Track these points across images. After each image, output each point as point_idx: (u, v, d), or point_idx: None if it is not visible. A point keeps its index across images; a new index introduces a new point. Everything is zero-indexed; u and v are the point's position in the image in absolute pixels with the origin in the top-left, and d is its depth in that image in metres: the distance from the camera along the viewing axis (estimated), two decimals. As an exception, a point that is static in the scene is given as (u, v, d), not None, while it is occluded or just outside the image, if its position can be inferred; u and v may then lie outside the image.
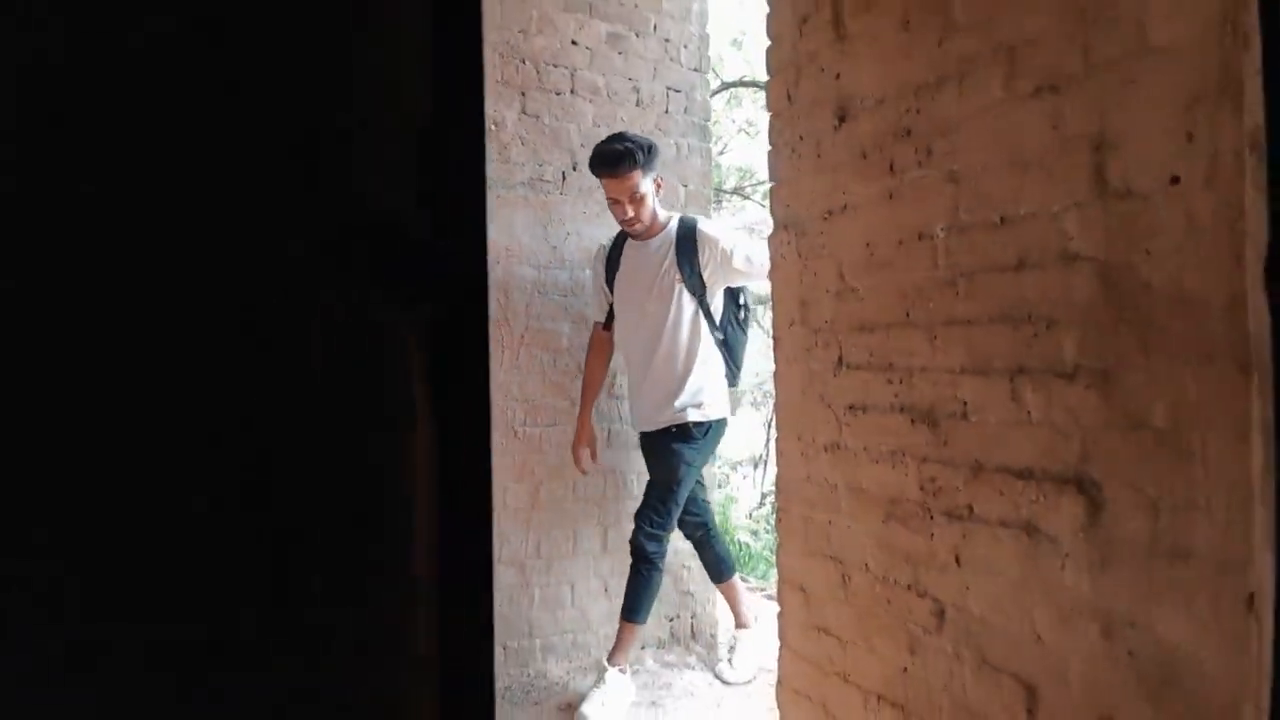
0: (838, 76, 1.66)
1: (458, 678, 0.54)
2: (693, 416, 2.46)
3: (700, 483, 2.69)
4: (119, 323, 0.48)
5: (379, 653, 0.54)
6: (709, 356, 2.53)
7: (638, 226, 2.44)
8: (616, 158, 2.30)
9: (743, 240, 2.55)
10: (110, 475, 0.48)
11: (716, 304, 2.57)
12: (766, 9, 1.92)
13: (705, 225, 2.53)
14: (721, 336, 2.58)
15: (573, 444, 2.63)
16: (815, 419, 1.74)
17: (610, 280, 2.57)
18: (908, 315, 1.47)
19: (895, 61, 1.49)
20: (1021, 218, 1.24)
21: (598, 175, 2.39)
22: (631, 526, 2.54)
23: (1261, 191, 0.91)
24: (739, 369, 2.68)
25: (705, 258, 2.45)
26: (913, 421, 1.46)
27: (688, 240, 2.46)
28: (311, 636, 0.52)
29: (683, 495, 2.50)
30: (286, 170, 0.52)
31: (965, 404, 1.35)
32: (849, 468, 1.64)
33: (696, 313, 2.49)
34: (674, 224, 2.51)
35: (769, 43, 1.91)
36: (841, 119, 1.66)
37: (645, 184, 2.38)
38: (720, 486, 5.67)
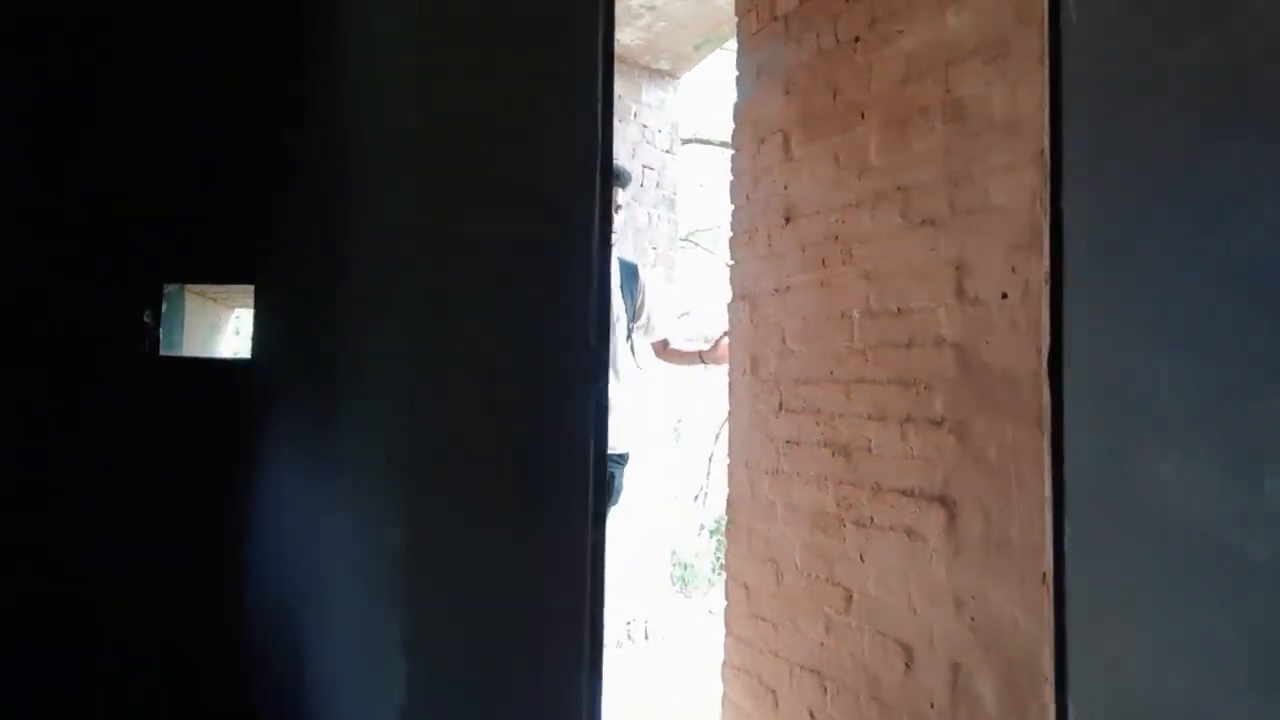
0: (785, 187, 2.18)
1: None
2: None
3: None
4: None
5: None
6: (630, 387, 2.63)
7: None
8: (619, 171, 2.53)
9: (670, 315, 2.81)
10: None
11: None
12: (731, 123, 2.43)
13: (644, 272, 2.73)
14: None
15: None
16: (760, 450, 2.21)
17: None
18: (831, 374, 1.97)
19: (828, 184, 2.01)
20: (911, 310, 1.75)
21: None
22: None
23: (1047, 309, 1.42)
24: None
25: (642, 298, 2.61)
26: (833, 453, 1.95)
27: (631, 274, 2.60)
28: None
29: None
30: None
31: (870, 441, 1.84)
32: (785, 488, 2.12)
33: (625, 340, 2.58)
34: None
35: (733, 150, 2.42)
36: (787, 219, 2.16)
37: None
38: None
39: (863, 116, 1.91)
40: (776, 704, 2.10)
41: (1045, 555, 1.47)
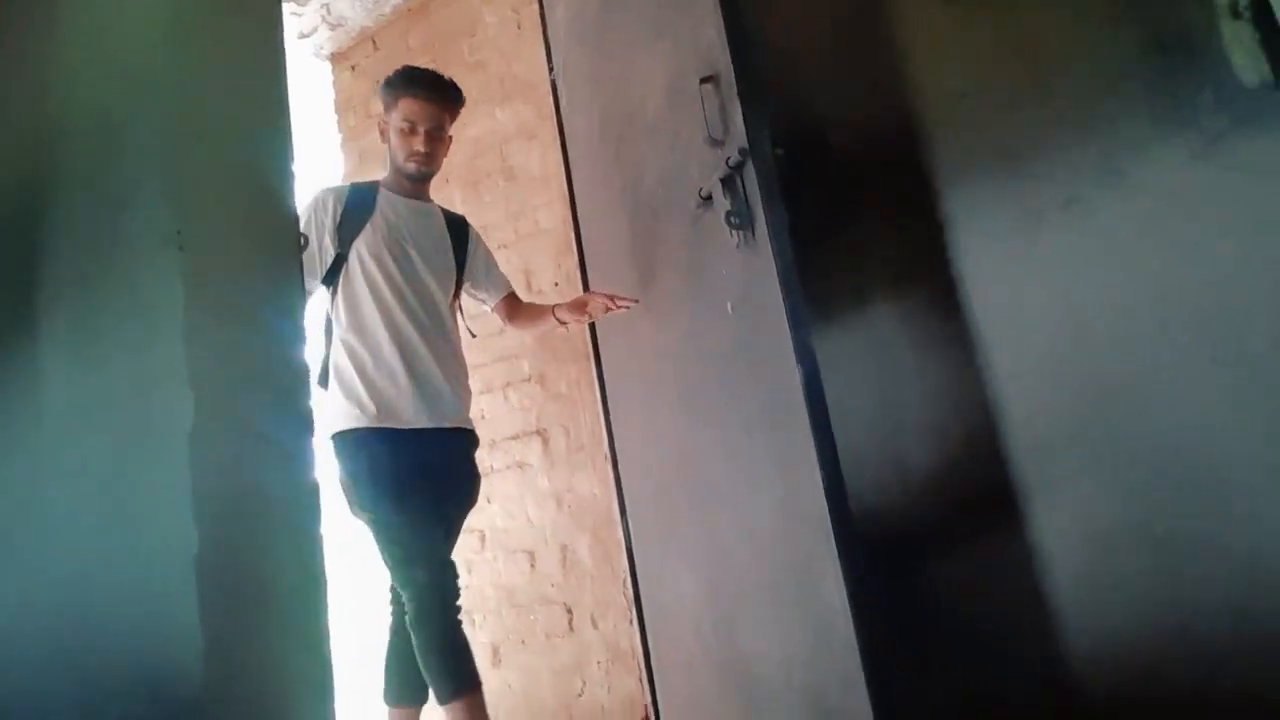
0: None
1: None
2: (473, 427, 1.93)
3: None
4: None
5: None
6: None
7: (424, 169, 1.90)
8: (444, 85, 1.90)
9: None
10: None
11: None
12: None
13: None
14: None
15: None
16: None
17: (345, 234, 1.84)
18: (448, 370, 2.54)
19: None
20: (500, 308, 2.44)
21: (404, 95, 1.88)
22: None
23: (581, 288, 2.23)
24: None
25: (474, 252, 2.02)
26: (457, 430, 2.50)
27: (459, 227, 2.00)
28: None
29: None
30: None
31: (484, 411, 2.44)
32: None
33: (454, 306, 1.98)
34: (436, 205, 2.02)
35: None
36: (399, 264, 2.73)
37: (449, 131, 1.95)
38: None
39: (448, 181, 2.61)
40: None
41: (604, 444, 2.21)
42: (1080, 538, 1.32)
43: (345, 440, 1.73)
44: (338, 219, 1.81)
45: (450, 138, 1.95)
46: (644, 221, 1.71)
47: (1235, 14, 1.24)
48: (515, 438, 2.36)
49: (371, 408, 1.71)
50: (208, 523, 1.00)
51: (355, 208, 1.83)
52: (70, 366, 1.14)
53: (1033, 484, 1.37)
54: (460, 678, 1.67)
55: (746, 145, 1.19)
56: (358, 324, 1.77)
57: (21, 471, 1.16)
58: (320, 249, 1.80)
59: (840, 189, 1.59)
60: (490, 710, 1.69)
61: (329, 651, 1.12)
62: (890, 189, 1.55)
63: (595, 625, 2.19)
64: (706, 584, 1.58)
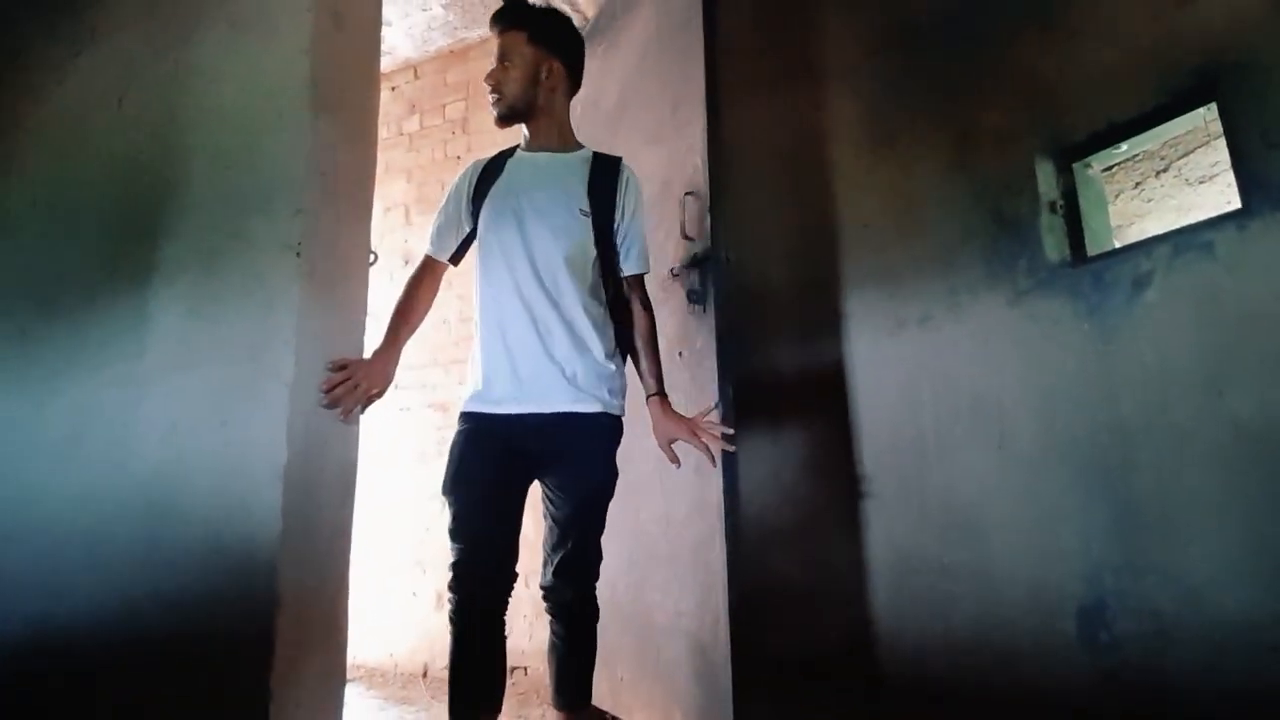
0: (405, 240, 3.20)
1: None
2: (611, 408, 1.62)
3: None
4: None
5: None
6: (608, 324, 1.68)
7: (495, 109, 1.72)
8: (501, 9, 1.74)
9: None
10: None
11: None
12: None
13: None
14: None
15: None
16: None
17: (478, 203, 1.71)
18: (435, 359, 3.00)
19: (437, 241, 3.12)
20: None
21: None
22: None
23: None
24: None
25: (625, 198, 1.69)
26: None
27: (605, 171, 1.71)
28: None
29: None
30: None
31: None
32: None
33: (597, 263, 1.66)
34: (588, 152, 1.76)
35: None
36: (406, 261, 3.18)
37: (526, 54, 1.69)
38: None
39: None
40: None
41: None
42: (893, 555, 1.88)
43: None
44: (473, 192, 1.71)
45: (529, 64, 1.68)
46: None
47: (1053, 210, 1.82)
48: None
49: (470, 389, 1.62)
50: (296, 444, 1.47)
51: (487, 177, 1.71)
52: (185, 320, 1.59)
53: (870, 511, 1.92)
54: (464, 698, 1.51)
55: (710, 246, 1.73)
56: (480, 304, 1.66)
57: (129, 395, 1.59)
58: (456, 227, 1.72)
59: (769, 283, 2.14)
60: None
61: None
62: (808, 286, 2.11)
63: (527, 585, 2.66)
64: (626, 555, 2.08)
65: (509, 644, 1.60)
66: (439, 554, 2.86)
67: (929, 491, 1.83)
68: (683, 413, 1.62)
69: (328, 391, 1.49)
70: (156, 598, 1.49)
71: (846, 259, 2.06)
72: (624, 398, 1.63)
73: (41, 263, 1.72)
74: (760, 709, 1.69)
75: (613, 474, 1.60)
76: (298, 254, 1.53)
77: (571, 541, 1.59)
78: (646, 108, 2.18)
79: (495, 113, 1.71)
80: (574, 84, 1.76)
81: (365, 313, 1.71)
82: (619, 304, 1.67)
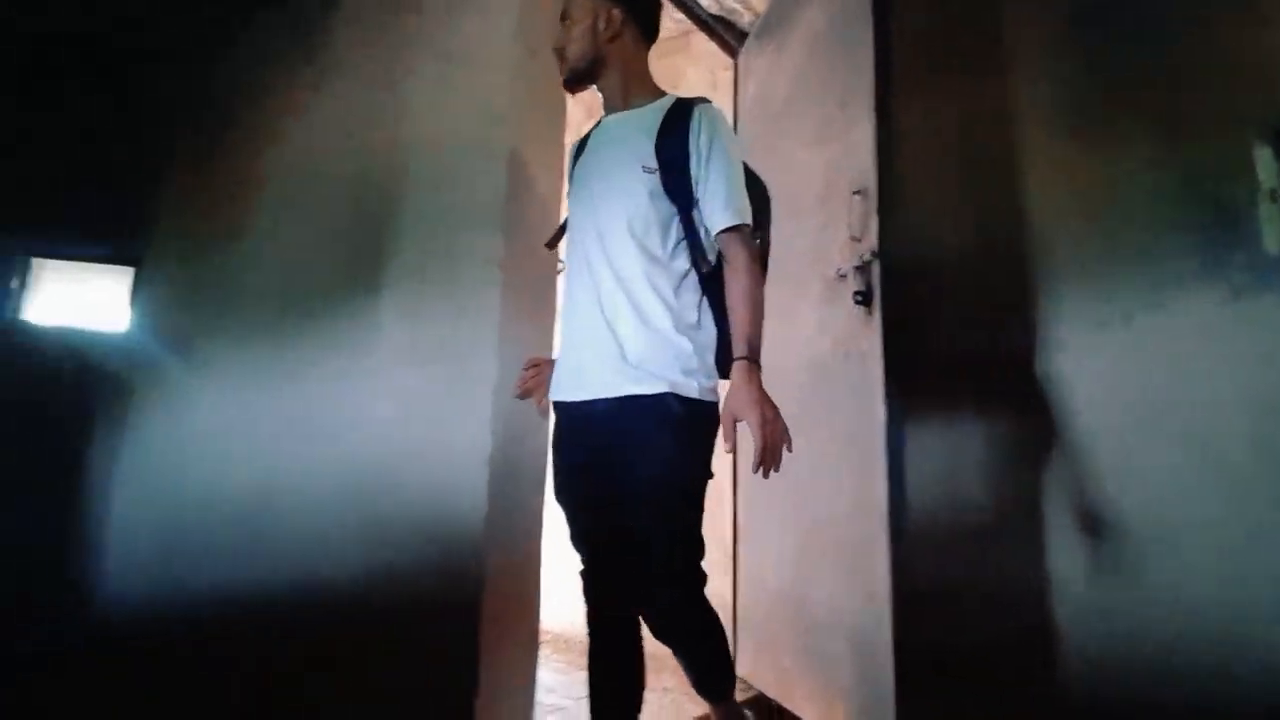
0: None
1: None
2: (684, 388, 1.35)
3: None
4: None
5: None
6: (692, 294, 1.44)
7: (562, 68, 1.55)
8: None
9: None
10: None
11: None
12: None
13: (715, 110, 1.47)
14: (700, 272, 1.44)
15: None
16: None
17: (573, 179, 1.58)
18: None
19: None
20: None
21: None
22: None
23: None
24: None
25: (697, 140, 1.42)
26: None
27: (681, 115, 1.44)
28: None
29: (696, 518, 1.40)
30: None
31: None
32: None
33: (677, 222, 1.42)
34: (669, 99, 1.52)
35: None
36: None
37: (584, 6, 1.52)
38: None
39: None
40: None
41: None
42: (1079, 566, 1.78)
43: None
44: (570, 174, 1.59)
45: (587, 16, 1.51)
46: (786, 280, 2.25)
47: (1273, 199, 1.64)
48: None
49: (555, 377, 1.52)
50: (500, 437, 1.65)
51: (576, 156, 1.59)
52: (406, 325, 1.82)
53: (1052, 519, 1.83)
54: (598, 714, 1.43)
55: (877, 248, 1.72)
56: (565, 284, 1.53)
57: (360, 391, 1.83)
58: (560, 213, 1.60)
59: (942, 283, 2.07)
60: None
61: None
62: (987, 285, 2.02)
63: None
64: (792, 545, 2.13)
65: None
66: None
67: (1125, 501, 1.72)
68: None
69: (521, 385, 1.57)
70: (380, 571, 1.71)
71: (1034, 255, 1.95)
72: (713, 376, 1.40)
73: (289, 272, 2.02)
74: (923, 713, 1.69)
75: (677, 466, 1.32)
76: (499, 267, 1.73)
77: (634, 552, 1.33)
78: (814, 104, 2.18)
79: (563, 75, 1.55)
80: (642, 31, 1.55)
81: (554, 316, 1.88)
82: (719, 267, 1.40)
